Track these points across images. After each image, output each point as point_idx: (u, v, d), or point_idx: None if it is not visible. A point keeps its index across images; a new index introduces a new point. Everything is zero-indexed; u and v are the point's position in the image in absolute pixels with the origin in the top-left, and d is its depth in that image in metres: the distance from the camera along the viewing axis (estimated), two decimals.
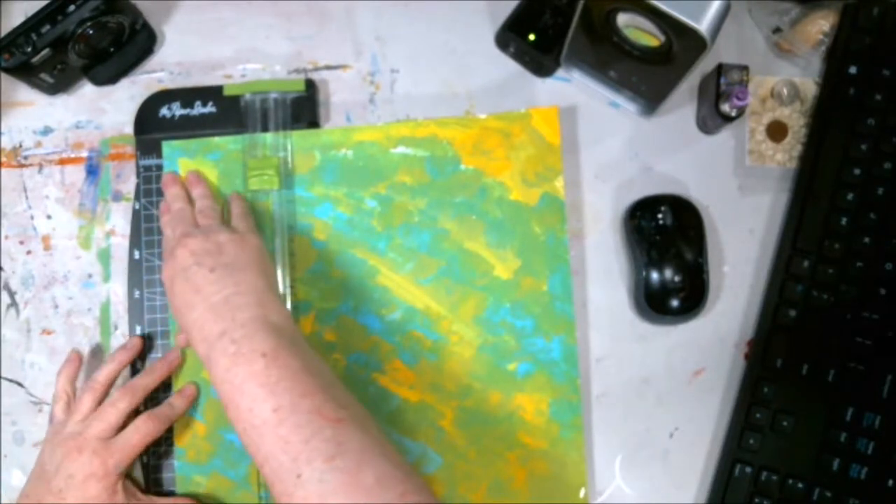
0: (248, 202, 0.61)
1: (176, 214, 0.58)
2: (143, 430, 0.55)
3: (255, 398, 0.46)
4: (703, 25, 0.51)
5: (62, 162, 0.65)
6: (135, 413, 0.56)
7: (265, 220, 0.62)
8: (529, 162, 0.63)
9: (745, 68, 0.61)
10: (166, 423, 0.57)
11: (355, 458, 0.44)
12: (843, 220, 0.62)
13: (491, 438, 0.61)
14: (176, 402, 0.58)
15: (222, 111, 0.64)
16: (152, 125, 0.64)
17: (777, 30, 0.65)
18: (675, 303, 0.61)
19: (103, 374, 0.57)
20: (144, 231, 0.63)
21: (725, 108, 0.61)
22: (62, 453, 0.54)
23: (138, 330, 0.63)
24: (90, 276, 0.64)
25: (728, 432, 0.61)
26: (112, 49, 0.64)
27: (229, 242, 0.54)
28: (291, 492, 0.44)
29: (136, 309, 0.63)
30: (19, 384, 0.63)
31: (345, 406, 0.47)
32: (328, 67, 0.66)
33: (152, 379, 0.58)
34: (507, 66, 0.66)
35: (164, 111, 0.64)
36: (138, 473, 0.61)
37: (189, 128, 0.64)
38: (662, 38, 0.54)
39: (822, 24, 0.64)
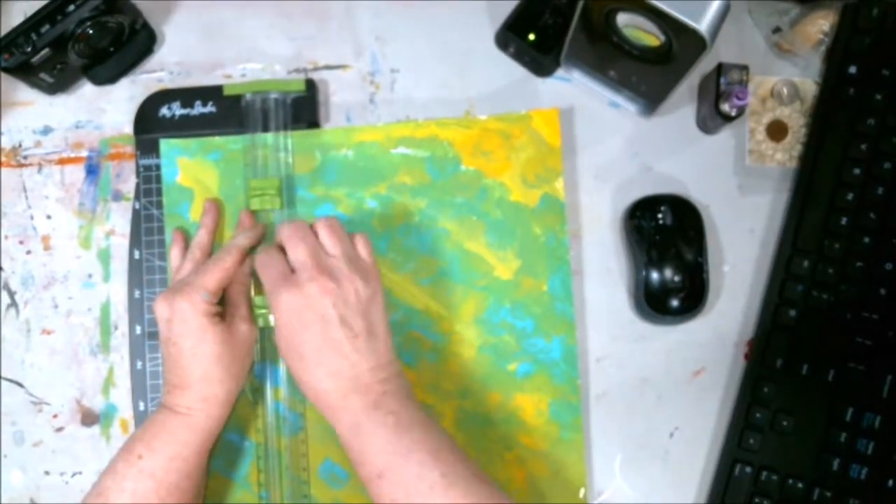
0: (371, 245, 0.57)
1: (301, 235, 0.54)
2: (218, 263, 0.56)
3: (424, 465, 0.49)
4: (703, 25, 0.51)
5: (62, 162, 0.65)
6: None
7: (266, 220, 0.62)
8: (530, 163, 0.63)
9: (745, 68, 0.61)
10: (239, 262, 0.57)
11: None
12: (843, 220, 0.62)
13: (491, 439, 0.61)
14: (240, 238, 0.59)
15: (222, 111, 0.64)
16: (152, 125, 0.64)
17: (777, 30, 0.65)
18: (674, 303, 0.61)
19: (196, 240, 0.60)
20: (144, 231, 0.63)
21: (725, 107, 0.61)
22: (169, 308, 0.55)
23: (138, 330, 0.63)
24: (90, 275, 0.64)
25: (728, 432, 0.61)
26: (112, 49, 0.64)
27: (368, 300, 0.53)
28: None
29: (136, 309, 0.63)
30: (19, 384, 0.63)
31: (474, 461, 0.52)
32: (328, 67, 0.66)
33: (247, 239, 0.59)
34: (507, 67, 0.66)
35: (164, 111, 0.64)
36: None
37: (189, 128, 0.64)
38: (662, 38, 0.54)
39: (822, 24, 0.64)
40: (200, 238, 0.61)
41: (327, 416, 0.53)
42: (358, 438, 0.51)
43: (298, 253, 0.53)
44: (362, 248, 0.56)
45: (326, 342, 0.51)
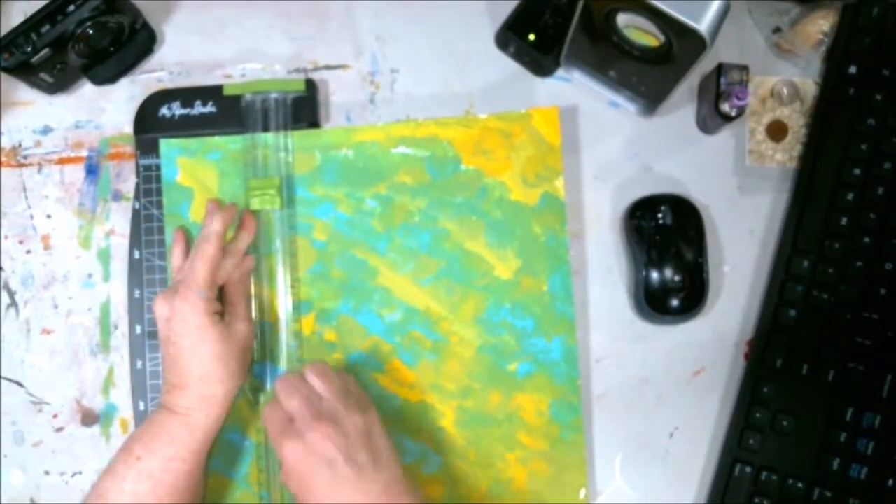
0: (355, 379, 0.58)
1: (292, 388, 0.55)
2: (200, 254, 0.56)
3: None
4: (703, 25, 0.51)
5: (62, 161, 0.65)
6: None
7: (266, 220, 0.62)
8: (530, 162, 0.63)
9: (745, 68, 0.61)
10: (216, 241, 0.57)
11: None
12: (843, 220, 0.62)
13: (491, 439, 0.61)
14: (213, 224, 0.58)
15: (222, 111, 0.64)
16: (152, 125, 0.64)
17: (777, 30, 0.65)
18: (674, 303, 0.61)
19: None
20: (144, 231, 0.63)
21: (725, 108, 0.61)
22: (168, 308, 0.55)
23: (138, 330, 0.63)
24: (90, 275, 0.64)
25: (728, 432, 0.61)
26: (112, 49, 0.64)
27: (367, 430, 0.53)
28: None
29: (136, 308, 0.63)
30: (19, 384, 0.63)
31: None
32: (328, 67, 0.66)
33: (219, 222, 0.58)
34: (507, 66, 0.66)
35: (164, 111, 0.64)
36: None
37: (189, 127, 0.64)
38: (662, 38, 0.54)
39: (822, 24, 0.64)
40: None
41: None
42: None
43: (293, 404, 0.53)
44: (351, 384, 0.56)
45: (336, 482, 0.51)
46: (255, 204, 0.62)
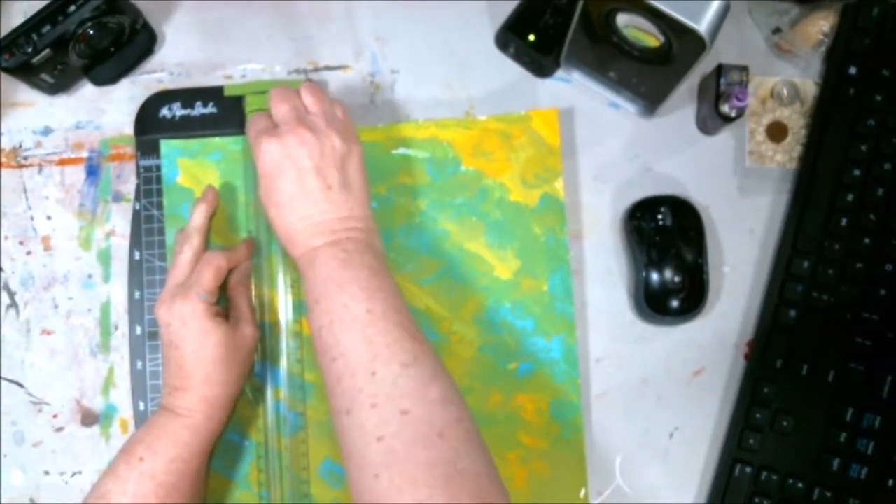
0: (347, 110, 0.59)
1: (285, 95, 0.57)
2: (210, 262, 0.57)
3: (354, 297, 0.51)
4: (703, 26, 0.51)
5: (62, 162, 0.65)
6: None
7: (266, 220, 0.62)
8: (529, 163, 0.63)
9: (745, 69, 0.61)
10: (230, 262, 0.58)
11: (427, 373, 0.49)
12: (843, 221, 0.62)
13: (491, 438, 0.61)
14: (240, 248, 0.60)
15: (223, 112, 0.64)
16: (153, 125, 0.64)
17: (777, 30, 0.65)
18: (674, 303, 0.61)
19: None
20: (145, 232, 0.63)
21: (725, 108, 0.61)
22: (168, 312, 0.56)
23: (138, 330, 0.63)
24: (90, 276, 0.64)
25: (728, 432, 0.61)
26: (112, 49, 0.64)
27: (344, 155, 0.55)
28: (361, 386, 0.48)
29: (136, 309, 0.63)
30: (19, 384, 0.63)
31: (421, 332, 0.52)
32: (328, 68, 0.66)
33: (200, 216, 0.60)
34: (507, 67, 0.66)
35: (165, 111, 0.64)
36: None
37: (190, 128, 0.64)
38: (662, 38, 0.54)
39: (822, 25, 0.64)
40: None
41: (291, 251, 0.55)
42: (310, 269, 0.53)
43: (281, 110, 0.56)
44: (339, 111, 0.58)
45: (301, 190, 0.54)
46: (254, 104, 0.62)
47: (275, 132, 0.55)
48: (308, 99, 0.57)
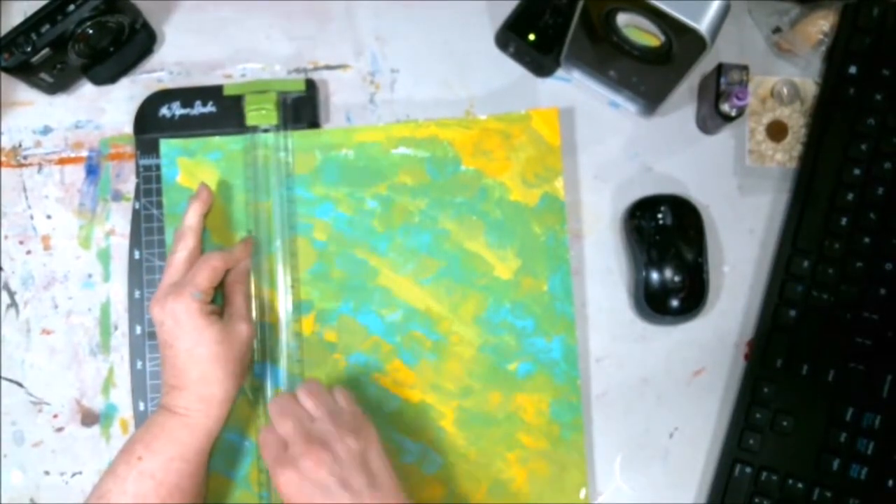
0: (352, 394, 0.57)
1: (284, 408, 0.54)
2: (207, 261, 0.57)
3: None
4: (703, 25, 0.51)
5: (62, 162, 0.65)
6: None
7: (266, 220, 0.62)
8: (529, 163, 0.63)
9: (745, 68, 0.61)
10: (227, 263, 0.58)
11: None
12: (843, 220, 0.62)
13: (491, 439, 0.61)
14: (237, 249, 0.60)
15: (222, 111, 0.64)
16: (152, 125, 0.64)
17: (777, 30, 0.65)
18: (674, 303, 0.61)
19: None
20: (144, 231, 0.63)
21: (725, 108, 0.61)
22: (161, 311, 0.55)
23: (138, 330, 0.63)
24: (90, 275, 0.64)
25: (728, 432, 0.61)
26: (112, 49, 0.64)
27: (363, 452, 0.52)
28: None
29: (136, 309, 0.63)
30: (19, 384, 0.63)
31: None
32: (328, 67, 0.66)
33: (194, 215, 0.59)
34: (507, 67, 0.66)
35: (164, 111, 0.64)
36: None
37: (189, 127, 0.64)
38: (662, 38, 0.54)
39: (822, 24, 0.64)
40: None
41: None
42: None
43: (285, 428, 0.53)
44: (342, 400, 0.55)
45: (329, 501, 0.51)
46: (253, 119, 0.62)
47: (288, 459, 0.51)
48: (308, 403, 0.54)
